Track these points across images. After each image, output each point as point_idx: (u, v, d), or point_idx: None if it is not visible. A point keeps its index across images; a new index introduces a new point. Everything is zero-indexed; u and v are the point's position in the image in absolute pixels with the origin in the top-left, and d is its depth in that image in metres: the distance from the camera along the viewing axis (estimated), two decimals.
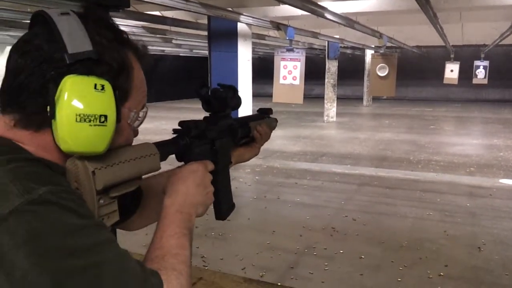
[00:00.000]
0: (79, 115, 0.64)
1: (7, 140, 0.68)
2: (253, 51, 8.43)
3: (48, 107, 0.65)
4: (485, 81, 14.32)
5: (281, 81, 7.99)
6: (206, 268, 3.45)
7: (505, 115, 15.08)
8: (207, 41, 6.88)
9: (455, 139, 10.29)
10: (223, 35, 6.96)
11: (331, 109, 13.54)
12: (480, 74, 14.13)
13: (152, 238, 0.77)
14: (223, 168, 1.00)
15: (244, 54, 7.52)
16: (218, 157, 0.97)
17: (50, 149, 0.69)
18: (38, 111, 0.67)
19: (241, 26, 7.18)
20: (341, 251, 4.00)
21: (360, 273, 3.59)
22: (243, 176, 6.65)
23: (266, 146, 1.11)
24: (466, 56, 15.79)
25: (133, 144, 0.80)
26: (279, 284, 3.30)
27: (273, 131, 1.20)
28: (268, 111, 1.21)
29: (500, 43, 11.41)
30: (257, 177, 6.72)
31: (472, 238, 4.30)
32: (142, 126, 0.81)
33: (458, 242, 4.21)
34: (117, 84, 0.70)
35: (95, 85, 0.66)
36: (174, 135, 0.90)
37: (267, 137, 1.17)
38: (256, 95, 9.01)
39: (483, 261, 3.80)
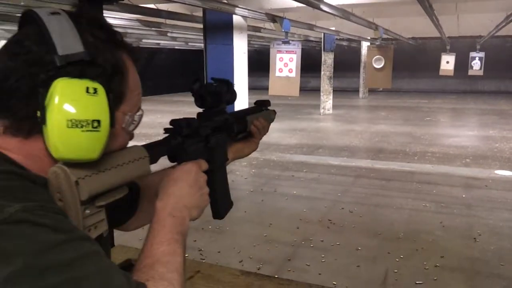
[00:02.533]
0: (71, 120, 0.61)
1: None
2: (248, 43, 8.41)
3: (39, 112, 0.62)
4: (481, 73, 14.34)
5: (277, 73, 7.98)
6: (203, 261, 3.46)
7: (500, 107, 15.12)
8: (202, 34, 6.85)
9: (450, 131, 10.32)
10: (218, 28, 6.93)
11: (327, 101, 13.53)
12: (476, 65, 14.15)
13: (142, 245, 0.73)
14: (219, 166, 0.96)
15: (240, 47, 7.50)
16: (214, 155, 0.93)
17: (39, 158, 0.66)
18: (29, 117, 0.63)
19: (236, 19, 7.15)
20: (338, 243, 4.02)
21: (356, 264, 3.61)
22: (240, 169, 6.65)
23: (262, 139, 1.09)
24: (462, 48, 15.78)
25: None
26: (276, 276, 3.31)
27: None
28: (266, 102, 1.17)
29: (496, 34, 11.41)
30: (253, 170, 6.72)
31: (468, 229, 4.33)
32: None
33: (454, 233, 4.24)
34: (111, 87, 0.66)
35: (87, 88, 0.62)
36: (166, 135, 0.86)
37: (265, 131, 1.14)
38: (252, 88, 9.00)
39: (479, 252, 3.82)
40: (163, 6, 6.80)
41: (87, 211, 0.66)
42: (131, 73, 0.72)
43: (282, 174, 6.48)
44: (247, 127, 1.07)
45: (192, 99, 0.94)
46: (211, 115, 0.94)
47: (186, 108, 15.13)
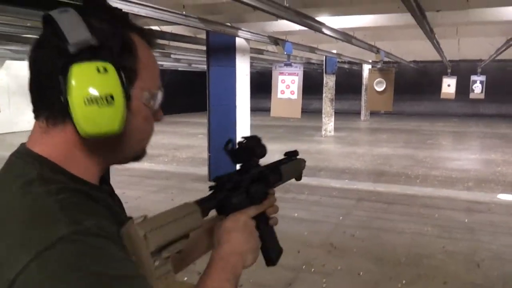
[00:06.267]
0: (87, 98, 0.68)
1: (51, 163, 0.72)
2: (251, 65, 8.47)
3: (61, 97, 0.69)
4: (482, 96, 14.38)
5: (279, 95, 8.00)
6: None
7: (502, 130, 15.12)
8: (205, 56, 6.90)
9: (452, 154, 10.30)
10: (221, 50, 6.99)
11: (329, 123, 13.56)
12: (477, 89, 14.20)
13: (196, 284, 0.83)
14: (260, 214, 1.03)
15: (242, 69, 7.55)
16: (254, 203, 1.00)
17: (75, 153, 0.74)
18: (58, 103, 0.70)
19: (239, 41, 7.22)
20: (339, 268, 3.97)
21: None
22: None
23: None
24: (463, 71, 15.88)
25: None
26: None
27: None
28: (295, 153, 1.22)
29: (497, 58, 11.49)
30: None
31: (471, 254, 4.28)
32: None
33: (457, 258, 4.19)
34: (122, 65, 0.72)
35: (98, 68, 0.69)
36: (211, 191, 0.94)
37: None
38: (254, 110, 9.03)
39: (482, 277, 3.77)
40: (167, 28, 6.87)
41: (157, 263, 0.74)
42: (141, 50, 0.77)
43: (283, 196, 6.44)
44: (282, 177, 1.12)
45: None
46: (247, 169, 1.01)
47: (189, 129, 15.17)
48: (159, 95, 0.82)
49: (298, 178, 1.22)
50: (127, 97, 0.72)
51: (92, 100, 0.68)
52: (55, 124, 0.73)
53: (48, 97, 0.71)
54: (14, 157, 0.75)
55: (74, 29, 0.69)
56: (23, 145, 0.77)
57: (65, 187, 0.69)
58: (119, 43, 0.73)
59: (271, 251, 1.03)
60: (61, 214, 0.64)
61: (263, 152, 1.02)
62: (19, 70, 14.46)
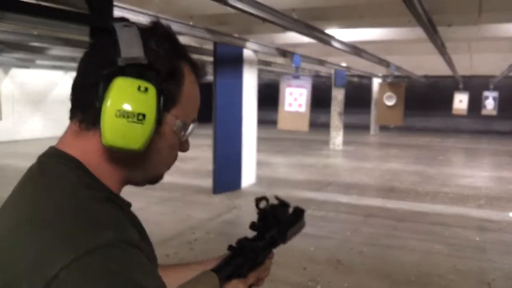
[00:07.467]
0: (119, 110, 0.70)
1: (86, 169, 0.74)
2: (258, 77, 8.42)
3: (97, 103, 0.71)
4: (494, 112, 14.18)
5: (287, 108, 7.92)
6: None
7: None
8: (212, 67, 6.86)
9: (463, 171, 10.13)
10: (228, 61, 6.95)
11: (337, 137, 13.45)
12: (489, 105, 14.00)
13: None
14: None
15: (250, 80, 7.50)
16: (255, 268, 1.01)
17: (103, 164, 0.76)
18: (94, 107, 0.72)
19: (247, 53, 7.18)
20: (346, 285, 3.85)
21: None
22: (245, 205, 6.52)
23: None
24: (475, 87, 15.72)
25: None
26: None
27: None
28: (303, 212, 1.18)
29: (509, 74, 11.35)
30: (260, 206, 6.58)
31: (482, 274, 4.14)
32: None
33: (467, 278, 4.05)
34: (164, 89, 0.74)
35: (139, 86, 0.71)
36: (229, 253, 0.96)
37: None
38: (261, 122, 8.95)
39: None
40: None
41: None
42: (187, 81, 0.80)
43: None
44: (285, 242, 1.11)
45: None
46: (264, 235, 1.02)
47: (194, 140, 15.08)
48: (191, 128, 0.83)
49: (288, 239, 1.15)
50: (159, 121, 0.74)
51: (123, 114, 0.70)
52: (87, 128, 0.75)
53: (86, 100, 0.74)
54: (46, 158, 0.76)
55: (130, 45, 0.73)
56: (52, 147, 0.78)
57: (107, 196, 0.72)
58: (168, 68, 0.76)
59: None
60: (108, 221, 0.67)
61: (284, 222, 1.03)
62: (24, 78, 14.60)
